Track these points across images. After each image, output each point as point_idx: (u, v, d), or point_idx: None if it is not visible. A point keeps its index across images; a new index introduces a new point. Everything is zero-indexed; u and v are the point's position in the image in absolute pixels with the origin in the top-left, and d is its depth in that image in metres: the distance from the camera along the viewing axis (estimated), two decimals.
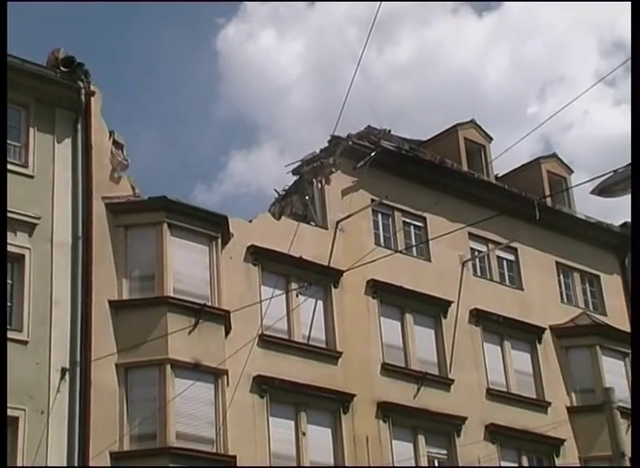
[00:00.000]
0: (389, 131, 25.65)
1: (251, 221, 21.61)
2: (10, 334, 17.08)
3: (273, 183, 58.01)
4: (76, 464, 17.14)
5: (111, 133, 20.03)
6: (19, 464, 16.48)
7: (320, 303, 21.79)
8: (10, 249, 17.63)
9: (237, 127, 52.53)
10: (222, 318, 19.43)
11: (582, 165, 53.49)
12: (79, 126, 19.51)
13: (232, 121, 52.38)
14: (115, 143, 19.97)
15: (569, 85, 52.31)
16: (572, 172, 29.29)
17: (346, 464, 20.54)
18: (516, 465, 23.48)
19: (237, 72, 51.23)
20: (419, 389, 22.30)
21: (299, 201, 23.52)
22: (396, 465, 21.22)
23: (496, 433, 23.09)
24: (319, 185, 23.15)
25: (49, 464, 16.82)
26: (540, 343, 25.22)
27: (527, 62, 51.69)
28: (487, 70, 51.23)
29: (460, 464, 22.16)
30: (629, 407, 22.67)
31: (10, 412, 16.52)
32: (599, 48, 57.34)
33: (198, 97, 52.32)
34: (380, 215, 23.85)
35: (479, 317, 24.21)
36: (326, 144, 23.73)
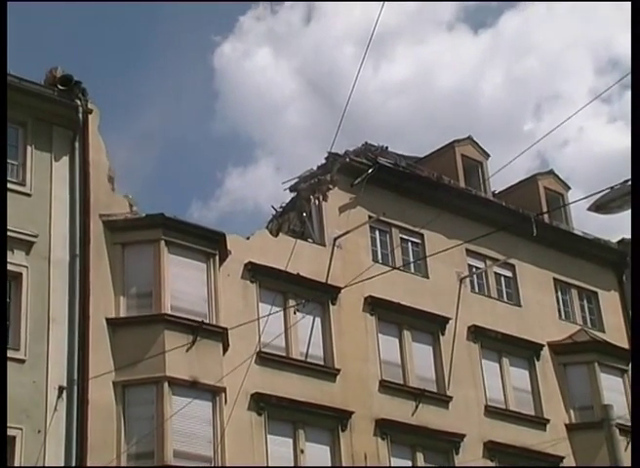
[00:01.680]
0: (387, 147, 25.69)
1: (248, 238, 21.61)
2: (7, 353, 17.03)
3: (269, 200, 58.01)
4: None
5: None
6: None
7: (318, 320, 21.76)
8: (7, 267, 17.60)
9: (233, 143, 52.66)
10: (220, 335, 19.39)
11: (578, 181, 53.56)
12: (77, 144, 19.52)
13: (228, 138, 52.52)
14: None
15: (564, 102, 52.48)
16: (569, 188, 29.32)
17: None
18: None
19: (233, 89, 51.40)
20: (417, 406, 22.24)
21: (296, 218, 23.53)
22: None
23: (494, 450, 23.01)
24: (316, 202, 23.16)
25: None
26: (538, 360, 25.18)
27: (522, 80, 51.88)
28: (483, 87, 51.40)
29: None
30: (628, 424, 22.61)
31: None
32: (594, 65, 57.61)
33: (194, 114, 52.43)
34: (377, 232, 23.86)
35: (477, 333, 24.17)
36: (323, 161, 23.78)
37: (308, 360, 21.20)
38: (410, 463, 21.69)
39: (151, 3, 45.64)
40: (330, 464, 20.59)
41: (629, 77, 11.02)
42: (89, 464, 17.29)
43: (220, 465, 18.36)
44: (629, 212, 11.09)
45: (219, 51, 54.76)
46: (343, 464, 20.56)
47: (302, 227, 23.13)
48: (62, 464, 17.10)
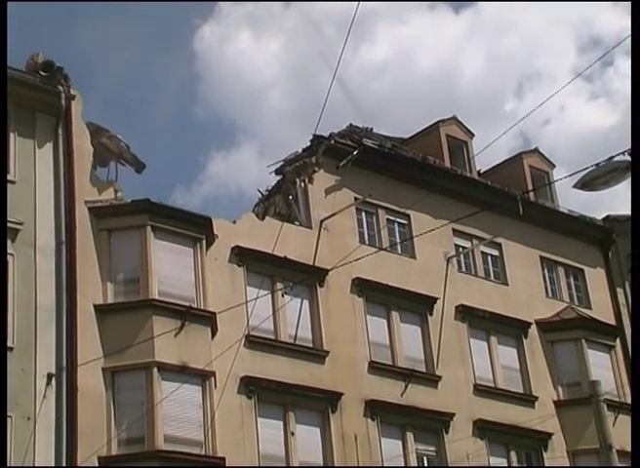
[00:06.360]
0: (371, 129, 25.68)
1: (235, 222, 21.59)
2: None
3: (253, 184, 57.88)
4: None
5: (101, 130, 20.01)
6: None
7: (306, 303, 21.78)
8: None
9: (215, 128, 52.50)
10: (208, 319, 19.40)
11: (560, 159, 53.73)
12: (60, 130, 19.44)
13: (210, 122, 52.35)
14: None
15: (546, 80, 52.53)
16: (554, 166, 29.38)
17: (336, 463, 20.53)
18: (505, 460, 23.51)
19: (214, 73, 51.23)
20: (406, 386, 22.32)
21: (282, 201, 23.50)
22: (385, 463, 21.22)
23: (484, 428, 23.13)
24: (302, 185, 23.13)
25: None
26: (526, 338, 25.28)
27: (504, 59, 51.90)
28: (464, 67, 51.37)
29: (449, 460, 22.19)
30: (616, 399, 22.89)
31: None
32: (575, 43, 57.69)
33: (176, 99, 52.21)
34: (363, 214, 23.87)
35: (465, 313, 24.25)
36: (307, 144, 23.74)
37: (297, 342, 21.22)
38: (400, 443, 21.78)
39: None
40: (321, 446, 20.67)
41: (610, 55, 11.04)
42: (79, 451, 17.30)
43: (211, 450, 18.42)
44: (613, 188, 11.15)
45: (199, 34, 54.55)
46: (334, 445, 20.63)
47: (289, 210, 23.11)
48: (53, 451, 17.10)
